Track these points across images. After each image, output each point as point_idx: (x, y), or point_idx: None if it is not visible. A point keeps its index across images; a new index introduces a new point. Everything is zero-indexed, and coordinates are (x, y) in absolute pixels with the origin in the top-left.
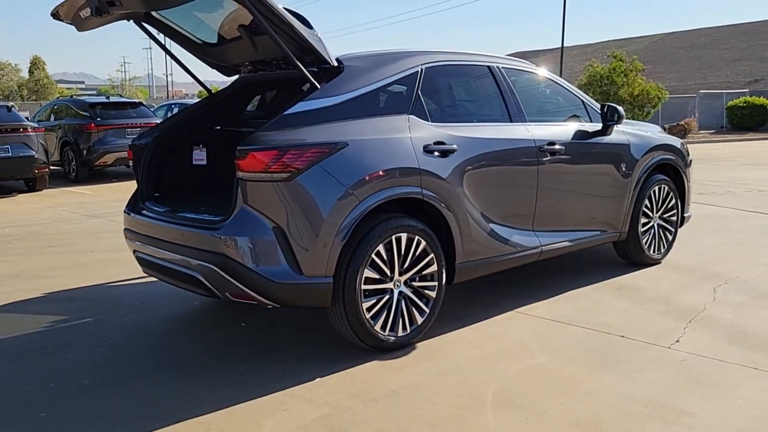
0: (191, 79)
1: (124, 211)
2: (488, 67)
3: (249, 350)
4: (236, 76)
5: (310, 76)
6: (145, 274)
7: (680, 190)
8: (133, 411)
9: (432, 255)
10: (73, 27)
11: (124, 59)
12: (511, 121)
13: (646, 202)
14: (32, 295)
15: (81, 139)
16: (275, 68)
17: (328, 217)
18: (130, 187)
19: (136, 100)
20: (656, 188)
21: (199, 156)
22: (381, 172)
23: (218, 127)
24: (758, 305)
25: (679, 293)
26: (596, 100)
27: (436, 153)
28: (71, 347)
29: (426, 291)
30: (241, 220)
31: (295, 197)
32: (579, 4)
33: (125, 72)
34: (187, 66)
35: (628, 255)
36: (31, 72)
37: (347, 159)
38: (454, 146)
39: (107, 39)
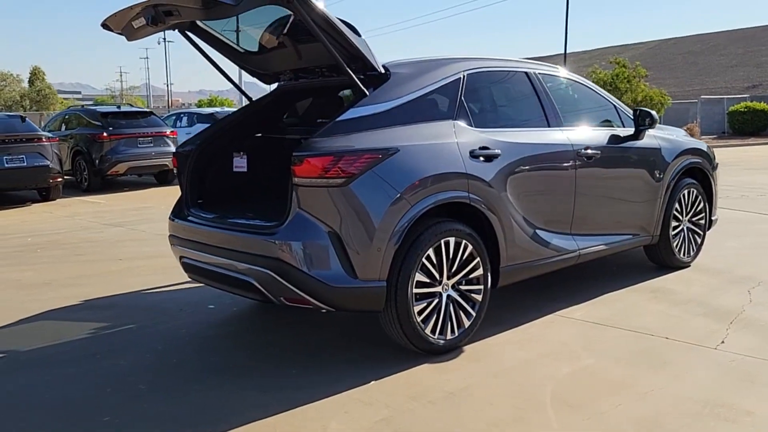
0: (188, 89)
1: (170, 218)
2: (525, 72)
3: (297, 354)
4: (275, 84)
5: (359, 83)
6: (187, 280)
7: (708, 194)
8: (194, 414)
9: (478, 259)
10: (118, 35)
11: (120, 69)
12: (549, 126)
13: (676, 205)
14: (69, 302)
15: (93, 149)
16: (317, 76)
17: (382, 222)
18: (143, 196)
19: (147, 110)
20: (685, 192)
21: (240, 163)
22: (431, 177)
23: (258, 135)
24: None
25: (713, 296)
26: None
27: (482, 158)
28: (120, 353)
29: (473, 294)
30: (297, 225)
31: (350, 202)
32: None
33: (122, 81)
34: (229, 75)
35: (659, 258)
36: (31, 82)
37: (399, 164)
38: (498, 151)
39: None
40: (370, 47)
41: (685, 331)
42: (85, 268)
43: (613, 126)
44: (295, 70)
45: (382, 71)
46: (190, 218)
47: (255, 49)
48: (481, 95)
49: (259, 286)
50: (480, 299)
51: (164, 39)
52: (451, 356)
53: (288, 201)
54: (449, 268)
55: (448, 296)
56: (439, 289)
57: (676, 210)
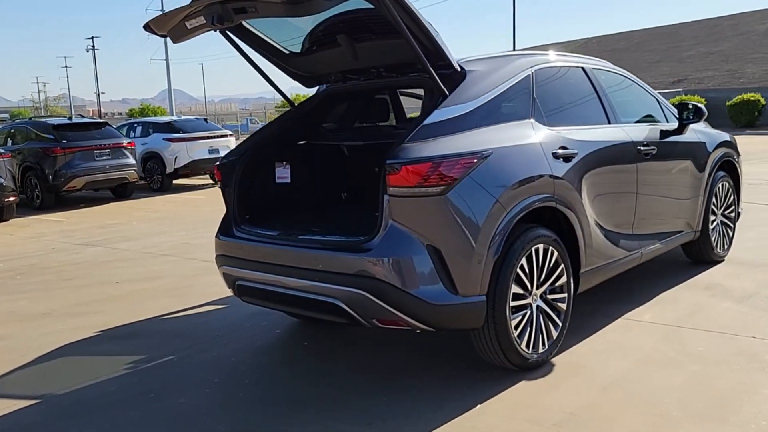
0: (110, 98)
1: (218, 237)
2: (582, 68)
3: (373, 379)
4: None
5: (440, 84)
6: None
7: (736, 186)
8: None
9: (562, 265)
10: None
11: (37, 79)
12: (609, 123)
13: (713, 199)
14: (83, 334)
15: (46, 164)
16: (371, 77)
17: (482, 231)
18: (105, 212)
19: (101, 120)
20: (719, 185)
21: (283, 173)
22: (523, 181)
23: (302, 142)
24: None
25: None
26: None
27: (562, 158)
28: (174, 390)
29: (558, 304)
30: (393, 239)
31: (449, 211)
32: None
33: (43, 92)
34: (272, 78)
35: (698, 253)
36: None
37: (493, 168)
38: (576, 150)
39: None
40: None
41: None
42: (82, 294)
43: (658, 120)
44: (344, 71)
45: (459, 69)
46: (243, 236)
47: (300, 50)
48: (549, 93)
49: (348, 309)
50: (565, 308)
51: (92, 47)
52: (545, 371)
53: (379, 213)
54: (538, 278)
55: (538, 307)
56: (530, 300)
57: (713, 204)
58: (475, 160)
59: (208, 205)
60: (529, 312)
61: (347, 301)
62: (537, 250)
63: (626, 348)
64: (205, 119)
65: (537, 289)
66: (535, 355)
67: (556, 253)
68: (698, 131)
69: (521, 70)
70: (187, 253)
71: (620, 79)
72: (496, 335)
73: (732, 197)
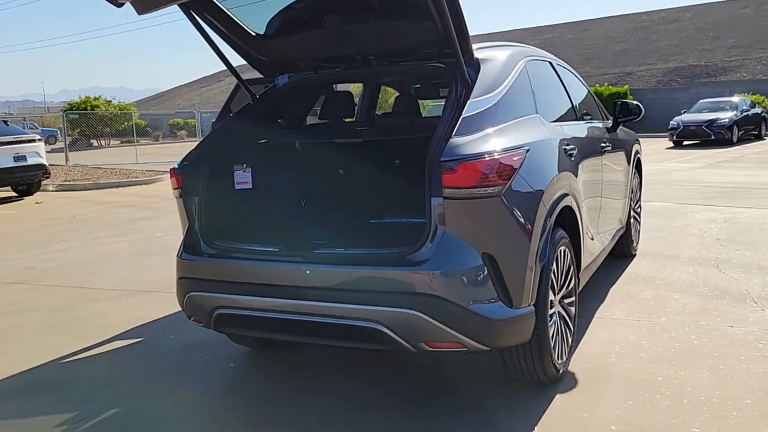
0: None
1: (180, 257)
2: (550, 62)
3: (400, 403)
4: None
5: (467, 73)
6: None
7: (640, 181)
8: None
9: (572, 267)
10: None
11: None
12: (577, 119)
13: (630, 194)
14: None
15: None
16: (359, 65)
17: (533, 234)
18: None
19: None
20: (634, 181)
21: (243, 178)
22: (555, 178)
23: (263, 141)
24: None
25: (708, 278)
26: None
27: (568, 155)
28: None
29: (570, 308)
30: (448, 248)
31: (505, 213)
32: None
33: None
34: (230, 61)
35: (621, 248)
36: None
37: (533, 165)
38: (573, 147)
39: None
40: None
41: (746, 319)
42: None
43: (598, 117)
44: (320, 58)
45: (477, 58)
46: (221, 253)
47: (269, 31)
48: (539, 86)
49: (392, 333)
50: (574, 311)
51: None
52: (570, 381)
53: (426, 219)
54: (558, 282)
55: (558, 313)
56: (555, 307)
57: (630, 198)
58: (522, 157)
59: (28, 221)
60: (553, 320)
61: (391, 324)
62: (559, 253)
63: (626, 348)
64: (5, 121)
65: (557, 294)
66: (560, 366)
67: (569, 255)
68: (621, 129)
69: (519, 59)
70: (39, 279)
71: (572, 75)
72: (539, 348)
73: (639, 193)
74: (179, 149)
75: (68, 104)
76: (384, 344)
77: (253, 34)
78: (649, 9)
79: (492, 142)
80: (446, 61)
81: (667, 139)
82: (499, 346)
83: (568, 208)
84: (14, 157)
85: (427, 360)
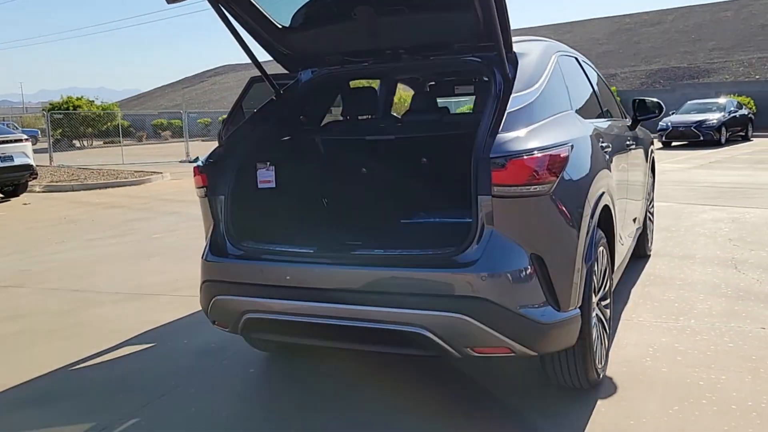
0: None
1: (206, 259)
2: (576, 58)
3: (427, 411)
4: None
5: (507, 67)
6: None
7: (653, 180)
8: None
9: (608, 268)
10: None
11: None
12: (603, 116)
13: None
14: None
15: None
16: (389, 59)
17: (580, 234)
18: None
19: None
20: (649, 181)
21: (266, 176)
22: (598, 176)
23: (286, 138)
24: None
25: (727, 278)
26: None
27: (605, 152)
28: None
29: (606, 310)
30: (497, 249)
31: (554, 212)
32: None
33: None
34: (256, 56)
35: (637, 248)
36: None
37: (577, 162)
38: (607, 144)
39: None
40: None
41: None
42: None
43: (615, 115)
44: (348, 52)
45: (513, 52)
46: (250, 255)
47: (296, 23)
48: (570, 82)
49: (437, 338)
50: (609, 314)
51: None
52: (609, 386)
53: (473, 218)
54: (597, 283)
55: (596, 315)
56: (594, 310)
57: (646, 198)
58: (568, 153)
59: (17, 222)
60: (594, 322)
61: (437, 328)
62: (599, 254)
63: (661, 351)
64: None
65: (596, 296)
66: (600, 370)
67: (607, 255)
68: (639, 128)
69: (551, 54)
70: (37, 282)
71: (593, 71)
72: (582, 352)
73: (652, 192)
74: (164, 150)
75: (50, 104)
76: (427, 349)
77: (280, 26)
78: (632, 11)
79: (539, 138)
80: (482, 54)
81: (656, 140)
82: (547, 351)
83: (605, 207)
84: (1, 157)
85: (458, 365)
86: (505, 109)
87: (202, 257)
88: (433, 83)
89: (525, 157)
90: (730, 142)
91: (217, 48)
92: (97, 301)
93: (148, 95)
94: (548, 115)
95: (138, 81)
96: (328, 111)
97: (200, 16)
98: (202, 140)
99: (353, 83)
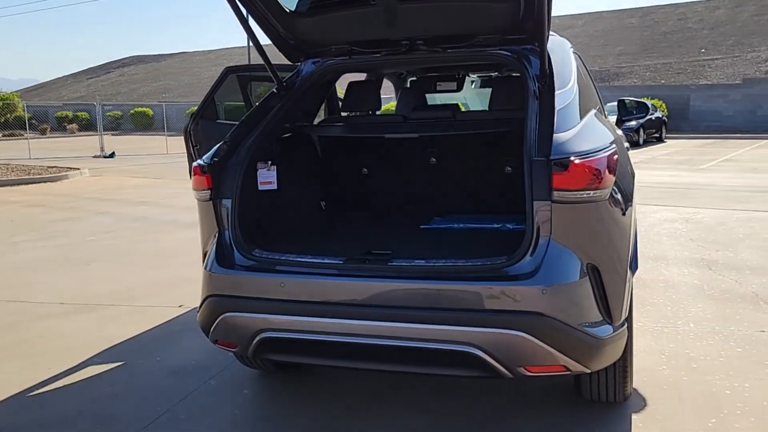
0: None
1: (214, 271)
2: (578, 55)
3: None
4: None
5: (548, 60)
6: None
7: None
8: None
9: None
10: None
11: None
12: (604, 114)
13: None
14: None
15: None
16: (405, 51)
17: (629, 242)
18: None
19: None
20: None
21: (267, 177)
22: (633, 176)
23: (287, 135)
24: None
25: (706, 282)
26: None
27: (627, 151)
28: None
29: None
30: (556, 259)
31: (609, 218)
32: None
33: None
34: (260, 42)
35: None
36: None
37: (621, 164)
38: (623, 144)
39: None
40: None
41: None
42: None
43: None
44: (357, 42)
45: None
46: (264, 266)
47: (305, 7)
48: (585, 78)
49: (488, 357)
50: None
51: None
52: (639, 399)
53: (528, 226)
54: None
55: None
56: None
57: None
58: (618, 154)
59: None
60: None
61: (490, 347)
62: None
63: (673, 358)
64: None
65: None
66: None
67: None
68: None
69: (569, 48)
70: None
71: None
72: (624, 366)
73: None
74: (73, 144)
75: None
76: (474, 370)
77: (287, 11)
78: None
79: (591, 139)
80: (510, 48)
81: None
82: (600, 367)
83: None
84: None
85: (480, 383)
86: (554, 108)
87: (206, 269)
88: (447, 77)
89: (588, 158)
90: (647, 143)
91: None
92: (41, 314)
93: (48, 86)
94: (585, 113)
95: (35, 71)
96: (337, 105)
97: (101, 5)
98: (113, 134)
99: (352, 77)
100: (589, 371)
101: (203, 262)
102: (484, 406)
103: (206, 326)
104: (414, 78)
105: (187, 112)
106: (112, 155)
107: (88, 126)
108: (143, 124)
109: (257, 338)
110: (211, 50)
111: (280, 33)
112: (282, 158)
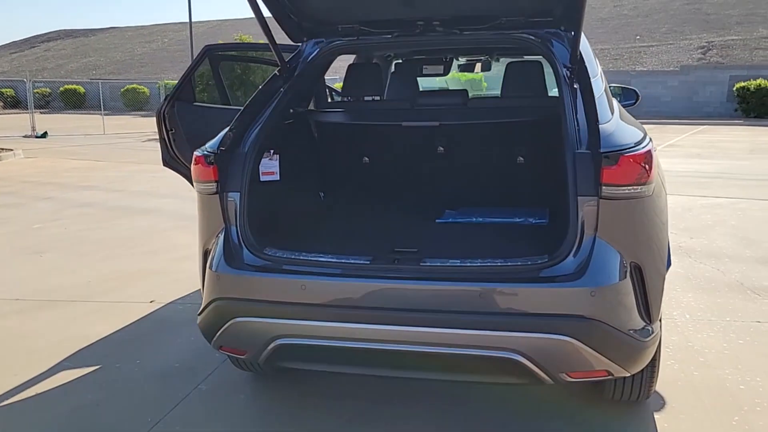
0: None
1: (220, 272)
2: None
3: None
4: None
5: (580, 47)
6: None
7: None
8: None
9: None
10: None
11: None
12: None
13: None
14: None
15: None
16: (420, 31)
17: (666, 238)
18: None
19: None
20: None
21: (269, 167)
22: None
23: (289, 121)
24: None
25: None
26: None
27: None
28: None
29: None
30: (602, 259)
31: (653, 214)
32: None
33: None
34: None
35: None
36: None
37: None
38: None
39: None
40: None
41: (765, 313)
42: None
43: None
44: (369, 21)
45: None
46: (272, 268)
47: None
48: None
49: (530, 363)
50: None
51: None
52: (657, 398)
53: (572, 223)
54: None
55: None
56: None
57: None
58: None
59: None
60: None
61: (533, 353)
62: None
63: (678, 351)
64: None
65: None
66: None
67: None
68: None
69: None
70: None
71: None
72: (652, 366)
73: None
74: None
75: None
76: (513, 377)
77: None
78: None
79: (630, 131)
80: (534, 32)
81: None
82: (638, 369)
83: None
84: None
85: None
86: (593, 97)
87: (210, 268)
88: (436, 60)
89: (637, 152)
90: None
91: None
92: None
93: None
94: (614, 104)
95: None
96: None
97: None
98: (42, 113)
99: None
100: (628, 374)
101: (203, 260)
102: (490, 412)
103: (210, 331)
104: (403, 60)
105: (123, 90)
106: (44, 135)
107: (12, 104)
108: (74, 102)
109: (272, 345)
110: (144, 26)
111: (286, 8)
112: (282, 146)
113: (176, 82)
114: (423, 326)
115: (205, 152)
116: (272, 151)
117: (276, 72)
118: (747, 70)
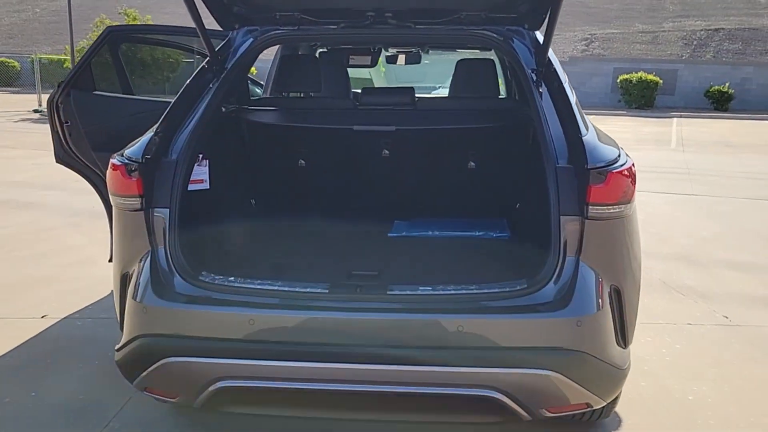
0: None
1: (147, 303)
2: None
3: None
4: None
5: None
6: None
7: None
8: None
9: None
10: None
11: None
12: None
13: None
14: None
15: None
16: (368, 24)
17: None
18: None
19: None
20: None
21: (198, 174)
22: None
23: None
24: None
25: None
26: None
27: None
28: None
29: None
30: (585, 285)
31: (632, 235)
32: None
33: None
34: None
35: None
36: None
37: None
38: None
39: None
40: None
41: (692, 315)
42: None
43: None
44: (311, 9)
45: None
46: (209, 298)
47: None
48: None
49: (509, 400)
50: None
51: None
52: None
53: (553, 246)
54: None
55: None
56: None
57: None
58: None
59: None
60: None
61: (513, 389)
62: None
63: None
64: None
65: None
66: None
67: None
68: None
69: None
70: None
71: None
72: None
73: None
74: None
75: None
76: (490, 415)
77: None
78: None
79: (609, 144)
80: (494, 28)
81: None
82: (613, 397)
83: None
84: None
85: None
86: (571, 105)
87: (134, 299)
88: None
89: (622, 168)
90: None
91: None
92: None
93: None
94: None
95: None
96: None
97: None
98: None
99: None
100: (605, 404)
101: (120, 286)
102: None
103: (133, 371)
104: (329, 49)
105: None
106: None
107: None
108: None
109: (212, 387)
110: None
111: None
112: (210, 150)
113: (53, 57)
114: (392, 364)
115: (126, 160)
116: (201, 156)
117: (204, 64)
118: (629, 62)
